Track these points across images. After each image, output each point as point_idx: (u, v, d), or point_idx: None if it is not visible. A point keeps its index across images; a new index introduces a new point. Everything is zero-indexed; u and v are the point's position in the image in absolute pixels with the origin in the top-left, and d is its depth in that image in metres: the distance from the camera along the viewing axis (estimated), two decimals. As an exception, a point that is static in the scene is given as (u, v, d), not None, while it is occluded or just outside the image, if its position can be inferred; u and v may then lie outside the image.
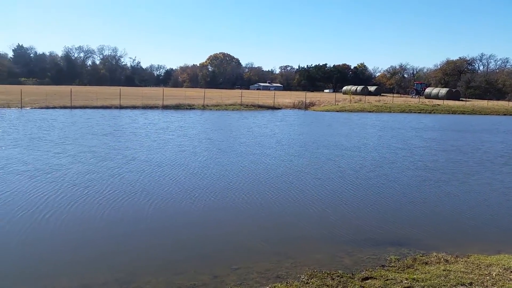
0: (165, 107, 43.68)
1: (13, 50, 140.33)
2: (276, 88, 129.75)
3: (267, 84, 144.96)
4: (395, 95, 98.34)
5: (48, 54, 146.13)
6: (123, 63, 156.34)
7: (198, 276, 6.41)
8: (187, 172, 13.28)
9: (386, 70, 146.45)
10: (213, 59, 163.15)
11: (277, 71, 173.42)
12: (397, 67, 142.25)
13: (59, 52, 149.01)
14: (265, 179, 12.79)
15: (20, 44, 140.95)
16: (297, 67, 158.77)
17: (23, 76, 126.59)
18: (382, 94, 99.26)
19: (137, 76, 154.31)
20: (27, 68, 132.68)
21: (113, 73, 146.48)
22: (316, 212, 9.75)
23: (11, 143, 17.97)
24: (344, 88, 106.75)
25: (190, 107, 45.11)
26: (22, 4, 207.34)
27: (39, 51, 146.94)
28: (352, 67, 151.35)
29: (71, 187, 11.05)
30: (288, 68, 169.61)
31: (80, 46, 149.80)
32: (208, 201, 10.32)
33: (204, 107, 45.89)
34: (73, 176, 12.29)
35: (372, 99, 67.36)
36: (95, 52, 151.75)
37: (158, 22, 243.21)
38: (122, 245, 7.63)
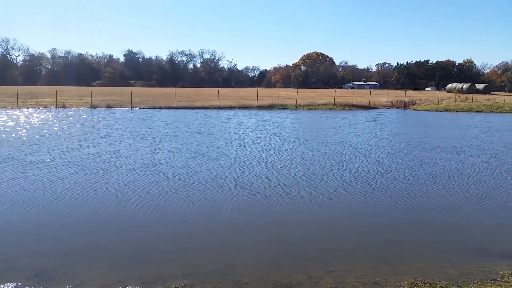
0: (259, 107, 44.56)
1: (124, 55, 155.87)
2: (372, 87, 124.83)
3: (362, 83, 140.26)
4: (507, 93, 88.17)
5: (154, 58, 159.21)
6: (221, 66, 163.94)
7: (293, 275, 6.28)
8: (272, 170, 13.24)
9: (497, 66, 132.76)
10: (306, 58, 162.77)
11: (373, 68, 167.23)
12: (510, 62, 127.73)
13: (164, 56, 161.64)
14: (352, 180, 12.21)
15: (130, 49, 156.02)
16: (396, 64, 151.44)
17: (133, 78, 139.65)
18: (491, 92, 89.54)
19: (233, 78, 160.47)
20: (136, 71, 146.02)
21: (212, 75, 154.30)
22: (413, 218, 9.00)
23: (118, 139, 19.85)
24: (449, 86, 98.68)
25: (283, 107, 45.42)
26: (132, 13, 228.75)
27: (146, 55, 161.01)
28: (457, 63, 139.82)
29: (164, 180, 11.72)
30: (385, 66, 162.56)
31: (182, 50, 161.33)
32: (299, 199, 10.14)
33: (296, 107, 45.85)
34: (168, 170, 13.08)
35: (480, 97, 61.01)
36: (196, 55, 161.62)
37: (254, 26, 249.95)
38: (218, 238, 7.80)
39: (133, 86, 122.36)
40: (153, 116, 33.72)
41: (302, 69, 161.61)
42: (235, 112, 40.22)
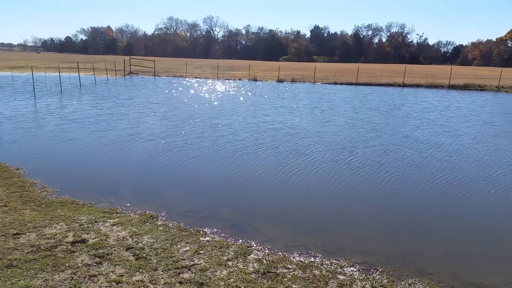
0: (451, 87, 40.10)
1: (310, 30, 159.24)
2: None
3: None
4: None
5: (339, 33, 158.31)
6: (409, 40, 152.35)
7: (488, 277, 5.65)
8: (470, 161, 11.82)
9: None
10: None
11: None
12: None
13: (349, 31, 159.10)
14: None
15: (317, 25, 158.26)
16: None
17: (316, 54, 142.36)
18: None
19: (422, 54, 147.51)
20: (320, 47, 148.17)
21: (398, 51, 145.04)
22: None
23: (292, 111, 20.79)
24: None
25: (481, 88, 39.75)
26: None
27: (332, 30, 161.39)
28: None
29: (326, 151, 11.76)
30: None
31: (369, 24, 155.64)
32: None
33: (498, 89, 39.56)
34: (328, 143, 13.60)
35: None
36: (382, 29, 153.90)
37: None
38: (403, 219, 7.54)
39: (316, 61, 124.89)
40: (331, 91, 33.97)
41: (509, 44, 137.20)
42: (422, 91, 37.15)
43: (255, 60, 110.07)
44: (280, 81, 44.30)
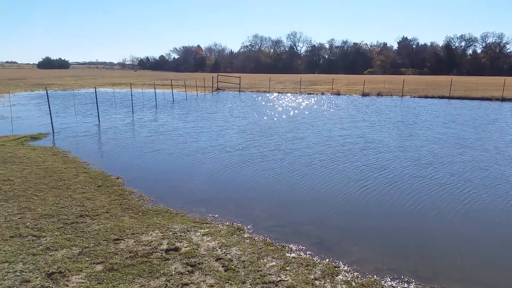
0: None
1: (398, 42, 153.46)
2: None
3: None
4: None
5: (429, 44, 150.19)
6: (508, 50, 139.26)
7: None
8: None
9: None
10: None
11: None
12: None
13: (440, 42, 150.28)
14: None
15: (405, 36, 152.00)
16: None
17: (404, 66, 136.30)
18: None
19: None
20: (408, 59, 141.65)
21: (495, 62, 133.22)
22: None
23: (373, 125, 19.92)
24: None
25: None
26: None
27: (421, 42, 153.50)
28: None
29: (406, 166, 10.97)
30: None
31: (462, 35, 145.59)
32: None
33: None
34: (410, 158, 12.65)
35: None
36: (477, 40, 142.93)
37: None
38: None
39: (404, 74, 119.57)
40: (420, 105, 32.19)
41: None
42: (527, 105, 33.60)
43: (338, 74, 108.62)
44: (365, 95, 43.08)
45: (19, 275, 5.15)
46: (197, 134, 17.29)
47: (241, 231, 7.12)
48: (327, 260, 6.15)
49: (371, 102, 35.02)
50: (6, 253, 5.76)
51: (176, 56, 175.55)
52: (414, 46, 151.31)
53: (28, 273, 5.23)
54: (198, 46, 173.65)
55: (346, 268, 5.92)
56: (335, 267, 5.91)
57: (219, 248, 6.24)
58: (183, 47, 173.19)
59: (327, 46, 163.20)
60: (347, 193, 9.57)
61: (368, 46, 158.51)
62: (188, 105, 30.16)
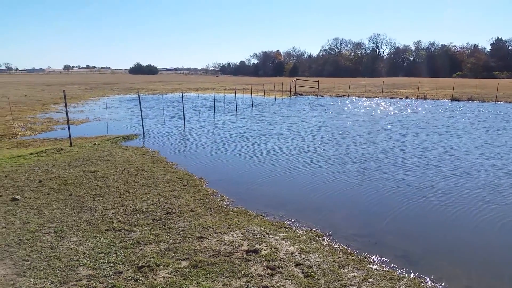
0: None
1: (491, 44, 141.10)
2: None
3: None
4: None
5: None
6: None
7: None
8: None
9: None
10: None
11: None
12: None
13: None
14: None
15: (499, 37, 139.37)
16: None
17: (498, 69, 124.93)
18: None
19: None
20: (503, 62, 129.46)
21: None
22: None
23: (455, 131, 18.36)
24: None
25: None
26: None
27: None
28: None
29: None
30: None
31: None
32: None
33: None
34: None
35: None
36: None
37: None
38: None
39: (497, 77, 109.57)
40: (524, 112, 29.21)
41: None
42: None
43: (424, 77, 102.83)
44: (453, 99, 40.25)
45: (112, 266, 5.59)
46: (269, 137, 17.52)
47: (320, 238, 7.02)
48: (413, 274, 5.81)
49: (459, 107, 32.64)
50: (102, 245, 6.28)
51: (256, 61, 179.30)
52: (510, 47, 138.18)
53: (121, 265, 5.65)
54: (277, 51, 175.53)
55: (433, 284, 5.56)
56: (421, 282, 5.57)
57: (298, 253, 6.21)
58: (262, 52, 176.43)
59: (412, 48, 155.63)
60: (429, 202, 9.01)
61: (458, 48, 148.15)
62: (266, 109, 30.57)
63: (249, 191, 9.94)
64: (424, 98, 42.36)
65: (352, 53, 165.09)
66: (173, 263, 5.72)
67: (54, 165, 11.52)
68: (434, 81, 79.05)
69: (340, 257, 6.20)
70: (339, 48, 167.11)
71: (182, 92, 24.83)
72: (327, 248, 6.55)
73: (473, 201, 9.19)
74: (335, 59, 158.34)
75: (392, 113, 28.81)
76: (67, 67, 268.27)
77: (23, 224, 7.06)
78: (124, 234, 6.77)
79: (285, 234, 6.99)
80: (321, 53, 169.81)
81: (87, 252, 6.00)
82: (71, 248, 6.11)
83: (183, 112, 22.66)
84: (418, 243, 7.09)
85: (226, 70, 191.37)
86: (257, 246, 6.36)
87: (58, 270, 5.43)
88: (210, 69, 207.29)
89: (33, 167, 11.31)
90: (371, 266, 6.00)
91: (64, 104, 16.20)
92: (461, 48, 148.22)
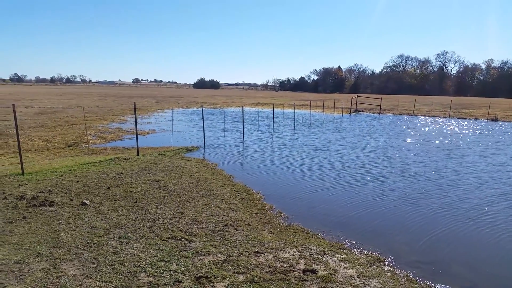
0: None
1: None
2: None
3: None
4: None
5: None
6: None
7: None
8: None
9: None
10: None
11: None
12: None
13: None
14: None
15: None
16: None
17: None
18: None
19: None
20: None
21: None
22: None
23: None
24: None
25: None
26: None
27: None
28: None
29: None
30: None
31: None
32: None
33: None
34: None
35: None
36: None
37: None
38: None
39: None
40: None
41: None
42: None
43: (496, 98, 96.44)
44: (530, 122, 37.26)
45: (172, 275, 5.74)
46: (336, 155, 17.19)
47: (380, 263, 6.74)
48: (483, 309, 5.39)
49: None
50: (163, 253, 6.49)
51: (316, 77, 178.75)
52: None
53: (180, 273, 5.79)
54: (339, 67, 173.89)
55: (507, 323, 5.11)
56: (493, 320, 5.14)
57: (358, 277, 6.00)
58: (323, 68, 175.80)
59: (483, 66, 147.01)
60: (502, 232, 8.32)
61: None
62: (323, 125, 30.22)
63: (306, 208, 9.81)
64: (496, 119, 39.64)
65: (418, 71, 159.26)
66: (230, 276, 5.77)
67: (121, 173, 12.17)
68: (508, 101, 73.83)
69: (403, 284, 5.90)
70: (404, 65, 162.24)
71: (242, 106, 25.29)
72: (388, 274, 6.27)
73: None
74: (399, 76, 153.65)
75: (462, 132, 27.23)
76: (136, 81, 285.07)
77: (91, 228, 7.50)
78: (184, 243, 6.95)
79: (343, 256, 6.80)
80: (385, 70, 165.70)
81: (149, 259, 6.23)
82: (134, 254, 6.38)
83: (243, 126, 23.04)
84: (487, 275, 6.57)
85: (286, 85, 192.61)
86: (314, 266, 6.23)
87: (121, 275, 5.68)
88: (269, 84, 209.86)
89: (102, 174, 12.03)
90: (436, 296, 5.64)
91: (134, 115, 17.13)
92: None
